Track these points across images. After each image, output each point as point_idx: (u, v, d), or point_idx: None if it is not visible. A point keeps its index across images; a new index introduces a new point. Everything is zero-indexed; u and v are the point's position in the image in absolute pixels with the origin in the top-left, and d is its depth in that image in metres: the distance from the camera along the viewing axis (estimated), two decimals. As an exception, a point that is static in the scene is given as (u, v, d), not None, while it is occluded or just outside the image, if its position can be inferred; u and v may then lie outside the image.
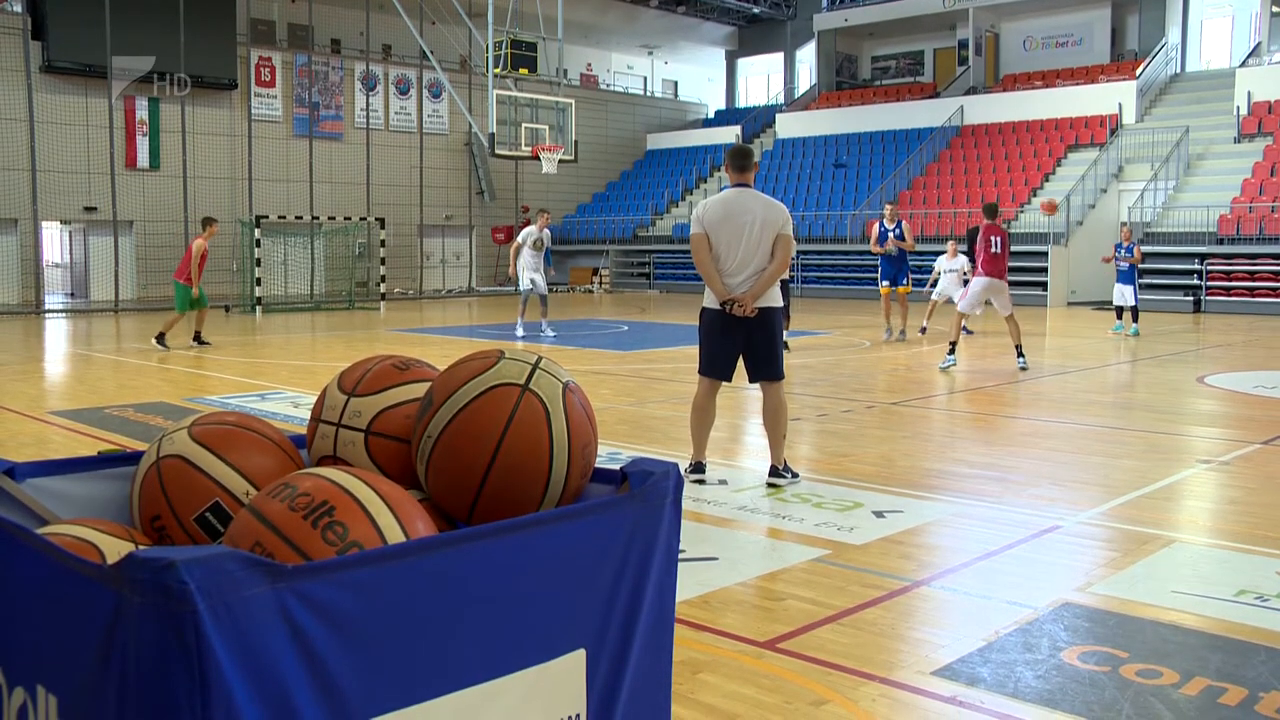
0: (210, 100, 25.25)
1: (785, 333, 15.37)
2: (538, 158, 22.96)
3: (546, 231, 14.83)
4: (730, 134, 34.29)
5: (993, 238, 11.54)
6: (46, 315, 20.89)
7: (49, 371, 12.11)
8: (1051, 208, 16.20)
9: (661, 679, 1.83)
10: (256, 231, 22.44)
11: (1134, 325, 15.66)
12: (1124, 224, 16.86)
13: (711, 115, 38.98)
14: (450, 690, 1.46)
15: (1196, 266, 21.62)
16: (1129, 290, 15.57)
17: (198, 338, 13.99)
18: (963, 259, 14.97)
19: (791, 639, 3.63)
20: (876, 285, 15.22)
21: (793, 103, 35.68)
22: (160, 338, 13.63)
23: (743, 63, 39.76)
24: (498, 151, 22.83)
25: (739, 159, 6.02)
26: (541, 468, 1.73)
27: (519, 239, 14.71)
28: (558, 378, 1.79)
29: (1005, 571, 4.44)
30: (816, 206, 28.95)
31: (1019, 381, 10.74)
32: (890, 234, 14.51)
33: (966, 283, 13.73)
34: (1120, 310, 15.87)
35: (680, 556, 1.84)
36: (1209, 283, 21.47)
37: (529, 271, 14.66)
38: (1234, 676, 3.31)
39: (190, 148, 24.43)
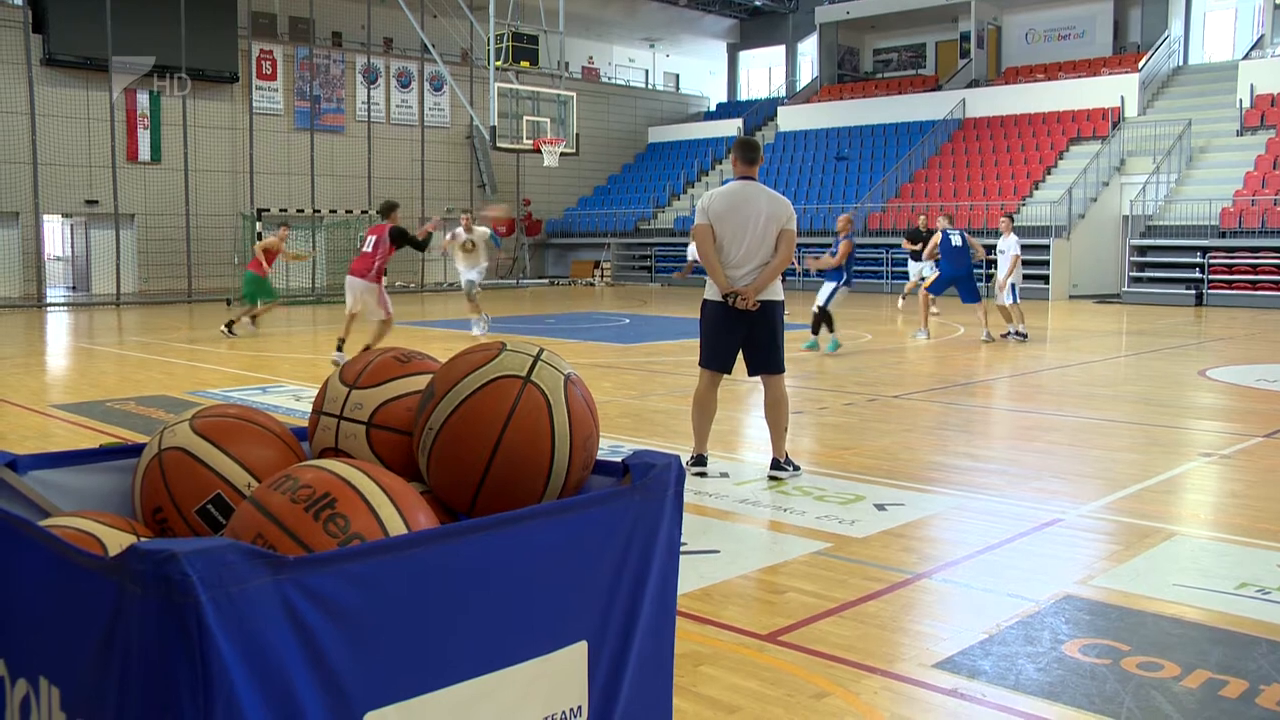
0: (212, 93, 25.23)
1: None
2: (539, 151, 22.92)
3: (481, 230, 14.85)
4: (732, 127, 34.22)
5: (370, 236, 10.87)
6: (48, 309, 20.88)
7: (51, 365, 12.11)
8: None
9: (663, 671, 1.83)
10: (258, 225, 22.41)
11: (831, 338, 12.18)
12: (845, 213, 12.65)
13: (713, 108, 38.91)
14: (452, 682, 1.46)
15: (1198, 260, 21.59)
16: (825, 290, 12.14)
17: (229, 325, 14.74)
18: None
19: (793, 632, 3.63)
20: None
21: (794, 95, 35.59)
22: (253, 320, 15.04)
23: (744, 55, 39.69)
24: (499, 144, 22.79)
25: (746, 151, 5.99)
26: (543, 460, 1.72)
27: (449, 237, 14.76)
28: (559, 370, 1.79)
29: (1007, 564, 4.44)
30: (818, 199, 28.90)
31: (1019, 375, 10.73)
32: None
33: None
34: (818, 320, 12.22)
35: (681, 549, 1.84)
36: (1211, 276, 21.43)
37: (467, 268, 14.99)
38: (1235, 669, 3.31)
39: (192, 141, 24.39)
